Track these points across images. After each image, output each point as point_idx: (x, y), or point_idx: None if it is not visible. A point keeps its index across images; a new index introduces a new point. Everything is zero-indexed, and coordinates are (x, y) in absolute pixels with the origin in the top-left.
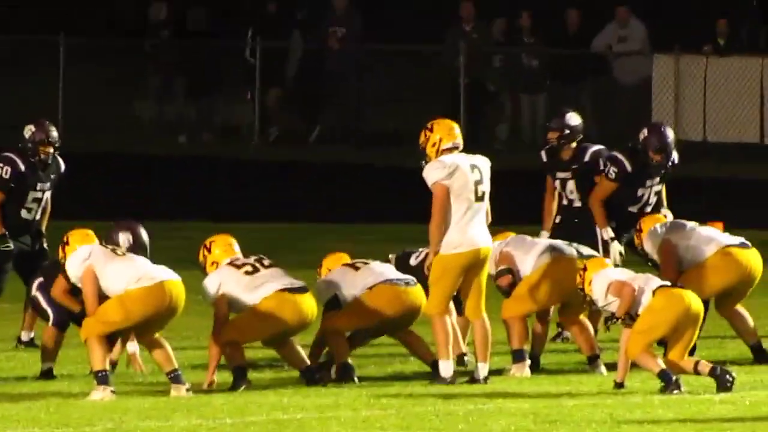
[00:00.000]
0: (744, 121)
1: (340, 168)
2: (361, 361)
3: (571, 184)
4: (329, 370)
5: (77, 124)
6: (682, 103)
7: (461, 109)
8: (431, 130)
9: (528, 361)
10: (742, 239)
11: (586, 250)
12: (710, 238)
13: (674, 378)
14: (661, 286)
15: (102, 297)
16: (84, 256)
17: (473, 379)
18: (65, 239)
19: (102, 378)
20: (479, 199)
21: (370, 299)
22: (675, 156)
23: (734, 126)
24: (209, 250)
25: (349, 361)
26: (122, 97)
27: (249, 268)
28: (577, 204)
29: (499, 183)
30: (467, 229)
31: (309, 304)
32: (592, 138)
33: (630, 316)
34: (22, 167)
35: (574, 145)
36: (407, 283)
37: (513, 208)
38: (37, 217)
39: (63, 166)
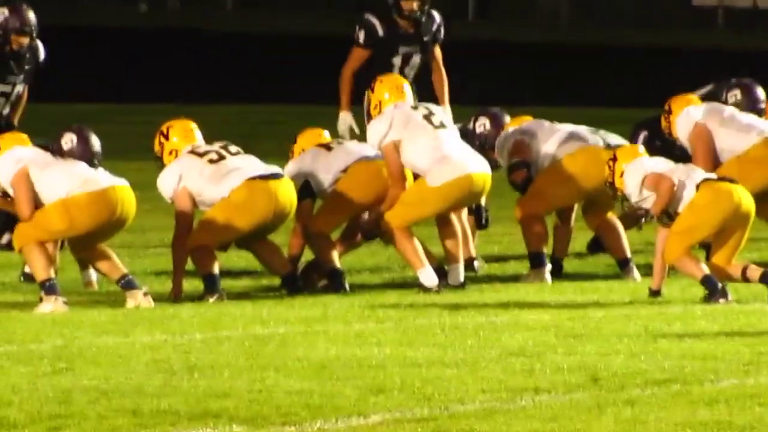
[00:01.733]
0: None
1: (329, 41)
2: (354, 267)
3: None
4: (316, 277)
5: None
6: None
7: None
8: (373, 90)
9: (548, 266)
10: None
11: (615, 139)
12: (752, 125)
13: (720, 285)
14: (706, 179)
15: (38, 206)
16: (17, 157)
17: (449, 285)
18: None
19: (50, 287)
20: (440, 127)
21: (346, 184)
22: None
23: None
24: (166, 137)
25: (338, 265)
26: None
27: (213, 156)
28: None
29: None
30: (447, 156)
31: (286, 191)
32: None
33: (668, 215)
34: None
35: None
36: None
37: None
38: (5, 111)
39: (43, 55)
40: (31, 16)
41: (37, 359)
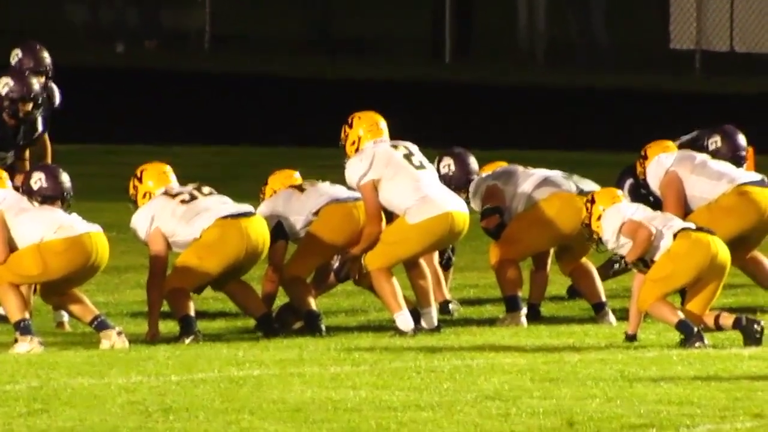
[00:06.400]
0: None
1: (307, 81)
2: (330, 309)
3: None
4: (291, 319)
5: None
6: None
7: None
8: (351, 126)
9: (524, 310)
10: (762, 176)
11: (588, 185)
12: (722, 173)
13: (695, 329)
14: (684, 229)
15: (12, 250)
16: None
17: (423, 330)
18: None
19: (25, 328)
20: (420, 168)
21: (319, 227)
22: None
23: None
24: (140, 180)
25: (315, 308)
26: None
27: (185, 197)
28: None
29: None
30: (427, 196)
31: (257, 229)
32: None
33: (644, 262)
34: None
35: None
36: (357, 199)
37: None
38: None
39: (59, 98)
40: (46, 56)
41: (12, 400)
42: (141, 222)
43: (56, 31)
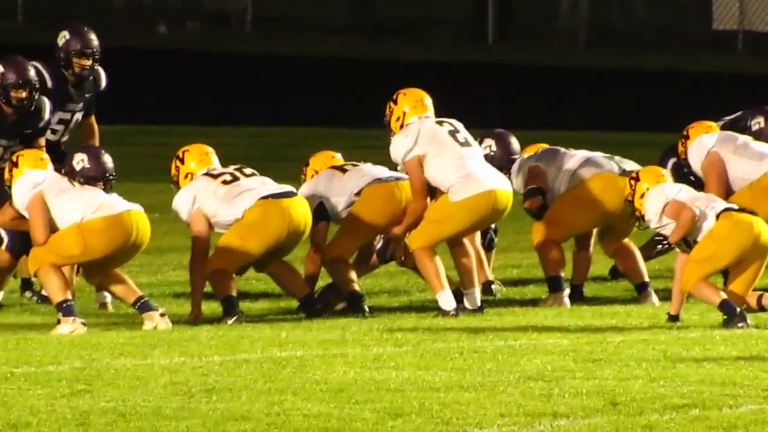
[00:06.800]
0: None
1: (348, 62)
2: (372, 290)
3: None
4: (334, 299)
5: (39, 12)
6: None
7: None
8: (396, 102)
9: (566, 290)
10: None
11: (630, 165)
12: (765, 154)
13: (738, 309)
14: (727, 209)
15: (53, 230)
16: (34, 181)
17: (466, 310)
18: (14, 159)
19: (67, 309)
20: (465, 145)
21: (361, 207)
22: None
23: None
24: (182, 161)
25: (358, 288)
26: None
27: (227, 177)
28: None
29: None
30: (471, 173)
31: (299, 209)
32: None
33: (687, 242)
34: (49, 82)
35: None
36: (399, 179)
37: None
38: (64, 138)
39: (104, 81)
40: (93, 38)
41: (55, 381)
42: (183, 202)
43: (98, 14)
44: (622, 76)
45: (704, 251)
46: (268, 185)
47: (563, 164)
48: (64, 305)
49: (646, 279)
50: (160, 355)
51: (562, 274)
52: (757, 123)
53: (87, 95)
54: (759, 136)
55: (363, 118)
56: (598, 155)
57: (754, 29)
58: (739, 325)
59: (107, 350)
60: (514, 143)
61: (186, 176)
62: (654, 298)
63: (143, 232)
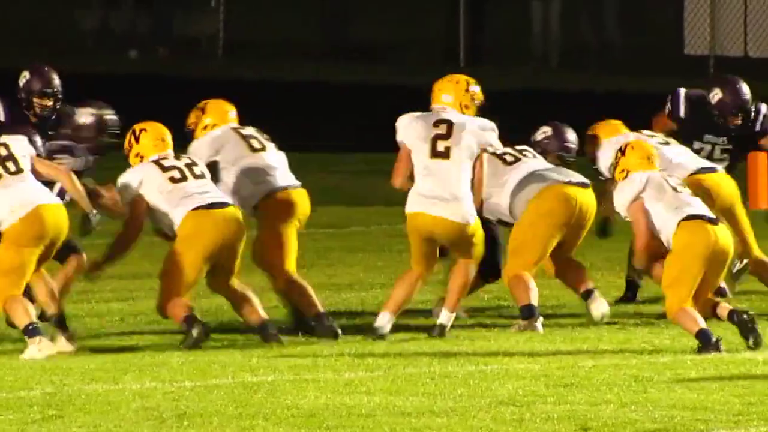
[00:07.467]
0: None
1: (321, 87)
2: (343, 313)
3: None
4: (302, 326)
5: (8, 36)
6: (718, 13)
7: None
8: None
9: (540, 318)
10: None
11: (576, 177)
12: (678, 164)
13: (713, 339)
14: (687, 218)
15: None
16: None
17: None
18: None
19: (32, 331)
20: (438, 155)
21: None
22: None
23: None
24: (137, 140)
25: (321, 309)
26: (61, 4)
27: (176, 174)
28: None
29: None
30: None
31: (231, 218)
32: (616, 53)
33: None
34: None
35: None
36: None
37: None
38: None
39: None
40: (55, 77)
41: (26, 406)
42: (130, 182)
43: (65, 38)
44: (593, 98)
45: (671, 271)
46: (205, 195)
47: (502, 182)
48: (30, 328)
49: (591, 285)
50: (132, 380)
51: (535, 303)
52: (716, 95)
53: (50, 134)
54: (720, 107)
55: (338, 143)
56: (540, 166)
57: (726, 54)
58: (712, 353)
59: (78, 375)
60: (570, 133)
61: (136, 155)
62: (601, 301)
63: (60, 225)
